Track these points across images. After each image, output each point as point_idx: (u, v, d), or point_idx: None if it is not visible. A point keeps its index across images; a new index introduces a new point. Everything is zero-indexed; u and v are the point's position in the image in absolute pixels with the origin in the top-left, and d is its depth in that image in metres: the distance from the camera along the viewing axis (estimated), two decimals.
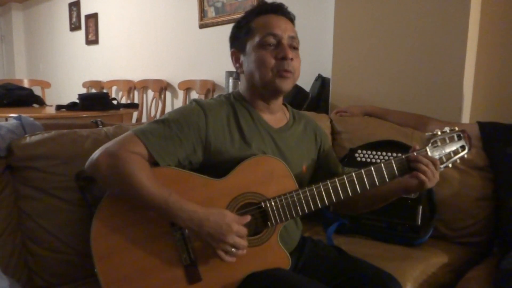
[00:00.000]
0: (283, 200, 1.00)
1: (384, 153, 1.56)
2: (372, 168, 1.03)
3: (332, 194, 1.02)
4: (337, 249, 1.20)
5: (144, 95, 4.29)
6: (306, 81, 2.59)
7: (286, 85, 1.07)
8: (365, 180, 1.03)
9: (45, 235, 1.18)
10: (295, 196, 1.01)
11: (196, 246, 0.97)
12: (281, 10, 1.10)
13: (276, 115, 1.15)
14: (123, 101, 4.32)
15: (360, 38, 2.16)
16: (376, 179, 1.03)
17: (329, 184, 1.01)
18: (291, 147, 1.13)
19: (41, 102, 3.47)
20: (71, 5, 5.28)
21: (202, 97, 3.48)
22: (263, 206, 1.00)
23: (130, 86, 4.39)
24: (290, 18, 1.12)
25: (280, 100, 1.14)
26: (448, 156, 1.06)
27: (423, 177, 1.01)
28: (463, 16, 1.83)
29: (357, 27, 2.17)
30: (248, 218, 0.97)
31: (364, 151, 1.59)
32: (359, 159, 1.59)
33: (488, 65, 2.00)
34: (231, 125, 1.06)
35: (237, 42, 1.12)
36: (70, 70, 5.45)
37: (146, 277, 0.95)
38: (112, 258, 0.94)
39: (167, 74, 4.01)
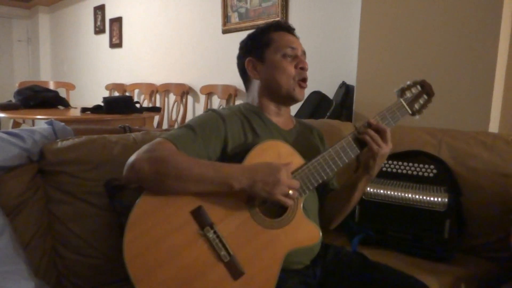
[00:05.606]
0: (298, 174, 1.06)
1: (411, 164, 1.53)
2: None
3: (336, 158, 1.10)
4: (360, 255, 1.19)
5: (166, 99, 4.34)
6: (329, 89, 2.58)
7: (302, 95, 1.22)
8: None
9: (74, 239, 1.20)
10: (306, 168, 1.07)
11: (231, 240, 0.97)
12: (292, 30, 1.27)
13: (284, 118, 1.26)
14: (145, 104, 4.37)
15: (386, 45, 2.14)
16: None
17: (330, 150, 1.10)
18: (301, 145, 1.19)
19: (66, 104, 3.52)
20: (96, 9, 5.39)
21: (224, 102, 3.51)
22: None
23: (152, 90, 4.44)
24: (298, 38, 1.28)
25: (289, 108, 1.28)
26: (419, 104, 1.22)
27: (371, 145, 1.10)
28: (494, 23, 1.79)
29: (383, 34, 2.15)
30: (291, 163, 1.02)
31: (391, 162, 1.56)
32: (384, 169, 1.56)
33: None
34: (246, 128, 1.16)
35: (254, 51, 1.23)
36: (94, 72, 5.55)
37: (191, 287, 0.94)
38: (152, 277, 0.92)
39: (189, 78, 4.04)
